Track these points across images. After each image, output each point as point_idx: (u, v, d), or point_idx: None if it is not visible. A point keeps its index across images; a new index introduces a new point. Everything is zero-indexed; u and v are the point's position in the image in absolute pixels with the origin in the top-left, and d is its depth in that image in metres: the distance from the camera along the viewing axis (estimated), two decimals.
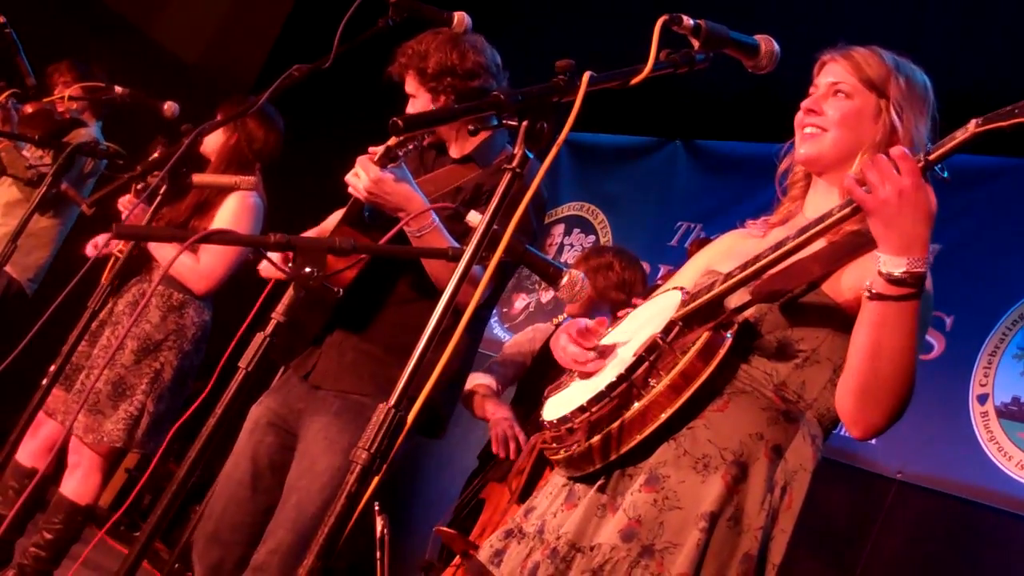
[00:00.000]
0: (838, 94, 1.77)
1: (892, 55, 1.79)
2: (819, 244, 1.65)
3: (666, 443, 1.62)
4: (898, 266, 1.45)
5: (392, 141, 2.33)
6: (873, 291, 1.49)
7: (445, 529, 3.25)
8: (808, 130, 1.78)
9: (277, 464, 2.54)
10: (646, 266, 3.94)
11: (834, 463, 3.88)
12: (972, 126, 1.40)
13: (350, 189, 2.39)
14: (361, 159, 2.37)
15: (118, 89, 3.69)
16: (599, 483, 1.66)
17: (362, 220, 2.54)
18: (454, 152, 2.71)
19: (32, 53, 3.78)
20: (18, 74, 3.81)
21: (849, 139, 1.74)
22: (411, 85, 2.62)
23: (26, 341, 2.14)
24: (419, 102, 2.61)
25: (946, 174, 1.46)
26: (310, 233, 2.72)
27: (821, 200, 1.78)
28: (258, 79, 6.39)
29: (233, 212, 3.47)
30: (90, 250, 3.30)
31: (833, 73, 1.79)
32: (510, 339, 3.99)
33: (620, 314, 1.93)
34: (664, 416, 1.58)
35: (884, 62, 1.77)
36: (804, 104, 1.80)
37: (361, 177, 2.33)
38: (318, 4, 6.19)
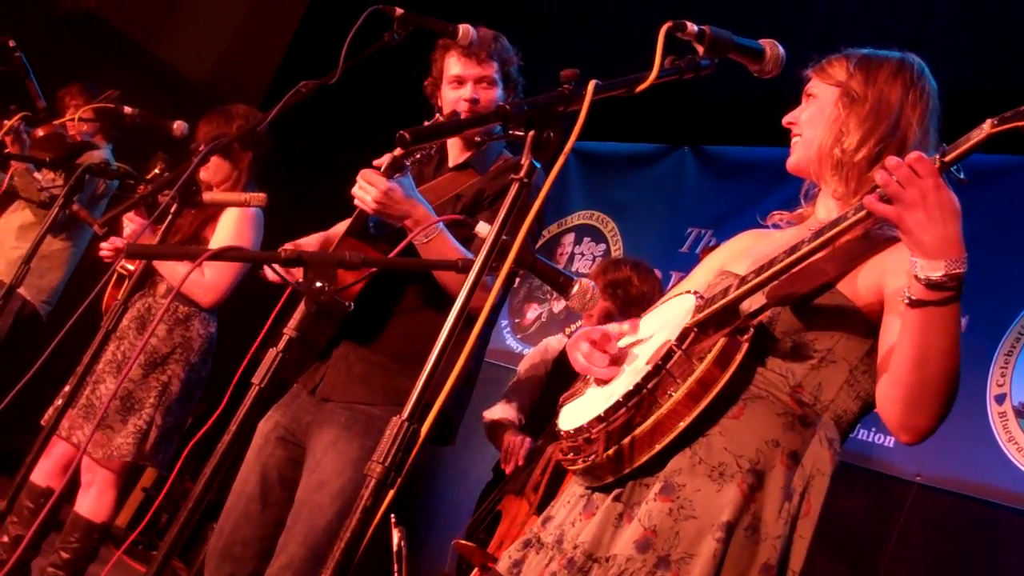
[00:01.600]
0: (809, 99, 1.82)
1: (867, 50, 1.79)
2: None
3: (681, 451, 1.60)
4: (936, 269, 1.42)
5: (398, 151, 2.34)
6: (913, 298, 1.45)
7: (463, 542, 3.24)
8: (793, 141, 1.83)
9: (286, 478, 2.54)
10: (658, 273, 3.93)
11: (853, 467, 3.86)
12: (987, 126, 1.38)
13: (356, 202, 2.40)
14: (365, 172, 2.38)
15: (127, 109, 3.70)
16: (616, 492, 1.64)
17: (367, 232, 2.55)
18: (451, 160, 2.72)
19: (41, 76, 3.80)
20: (28, 97, 3.84)
21: (818, 135, 1.77)
22: (494, 69, 2.66)
23: (39, 364, 2.15)
24: (498, 92, 2.66)
25: (962, 175, 1.44)
26: (315, 237, 2.73)
27: (827, 202, 1.79)
28: (267, 96, 6.42)
29: (235, 223, 3.49)
30: (106, 251, 3.29)
31: (808, 86, 1.84)
32: (524, 359, 4.01)
33: (631, 320, 1.92)
34: (683, 424, 1.57)
35: (844, 57, 1.79)
36: (784, 120, 1.85)
37: (368, 190, 2.35)
38: (325, 20, 6.23)
